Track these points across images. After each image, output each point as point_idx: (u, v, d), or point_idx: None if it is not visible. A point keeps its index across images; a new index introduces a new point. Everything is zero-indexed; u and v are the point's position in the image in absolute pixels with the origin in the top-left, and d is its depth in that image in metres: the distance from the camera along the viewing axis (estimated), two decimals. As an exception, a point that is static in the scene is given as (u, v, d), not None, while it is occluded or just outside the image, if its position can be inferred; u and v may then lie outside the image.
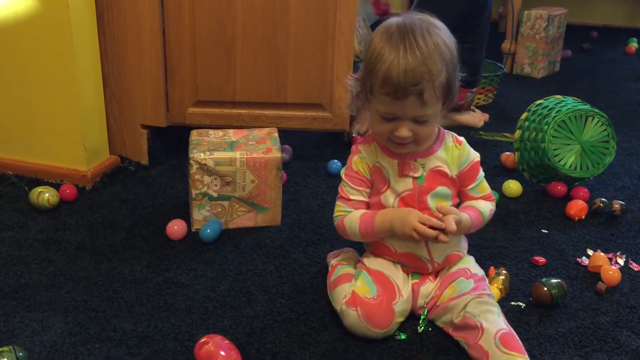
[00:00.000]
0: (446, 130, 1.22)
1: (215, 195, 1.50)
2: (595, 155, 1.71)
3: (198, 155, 1.48)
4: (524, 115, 1.81)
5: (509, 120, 2.31)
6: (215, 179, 1.49)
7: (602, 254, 1.42)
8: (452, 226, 1.10)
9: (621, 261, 1.43)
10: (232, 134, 1.60)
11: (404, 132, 1.10)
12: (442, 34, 1.09)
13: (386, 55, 1.06)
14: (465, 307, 1.13)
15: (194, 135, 1.59)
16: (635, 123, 2.38)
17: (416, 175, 1.18)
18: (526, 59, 2.96)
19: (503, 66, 2.65)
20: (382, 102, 1.09)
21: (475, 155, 1.22)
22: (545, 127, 1.69)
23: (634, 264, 1.42)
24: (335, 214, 1.24)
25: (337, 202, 1.24)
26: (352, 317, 1.14)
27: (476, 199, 1.23)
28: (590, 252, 1.46)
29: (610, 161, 1.72)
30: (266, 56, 1.77)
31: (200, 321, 1.20)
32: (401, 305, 1.16)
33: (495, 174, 1.88)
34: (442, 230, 1.10)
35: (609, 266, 1.36)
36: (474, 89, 2.23)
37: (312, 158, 1.95)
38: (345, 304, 1.16)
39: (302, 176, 1.82)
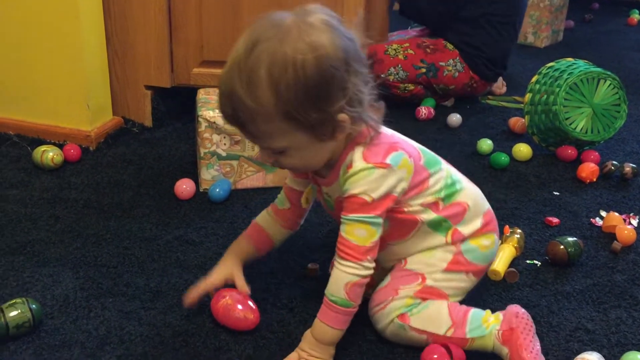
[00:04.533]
0: (358, 148, 0.93)
1: (224, 154, 1.48)
2: (607, 118, 1.69)
3: (207, 112, 1.44)
4: (534, 78, 1.78)
5: (515, 88, 2.29)
6: (225, 137, 1.46)
7: (616, 214, 1.41)
8: None
9: (635, 222, 1.42)
10: (241, 93, 1.57)
11: (263, 158, 0.95)
12: (297, 48, 0.83)
13: (223, 69, 0.88)
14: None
15: (201, 93, 1.56)
16: (640, 91, 2.37)
17: (322, 200, 1.05)
18: (530, 28, 2.93)
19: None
20: None
21: (362, 191, 0.92)
22: (557, 89, 1.67)
23: (648, 225, 1.41)
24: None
25: None
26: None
27: (340, 238, 0.95)
28: (603, 213, 1.45)
29: (621, 125, 1.70)
30: (274, 15, 1.73)
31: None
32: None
33: (504, 138, 1.86)
34: None
35: (623, 226, 1.35)
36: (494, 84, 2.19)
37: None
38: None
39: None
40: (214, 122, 1.44)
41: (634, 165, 1.63)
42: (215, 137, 1.46)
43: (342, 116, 0.87)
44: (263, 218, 1.14)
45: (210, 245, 1.28)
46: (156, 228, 1.33)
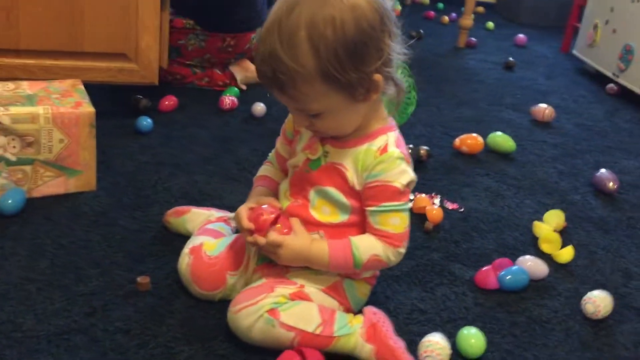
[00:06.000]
0: (392, 133, 0.96)
1: (13, 159, 1.27)
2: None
3: (-10, 111, 1.22)
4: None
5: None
6: (14, 139, 1.25)
7: (423, 195, 1.51)
8: (261, 240, 0.96)
9: (437, 201, 1.53)
10: (27, 86, 1.36)
11: (298, 121, 0.97)
12: (335, 8, 0.84)
13: (262, 30, 0.89)
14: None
15: (-25, 88, 1.32)
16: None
17: (311, 156, 0.99)
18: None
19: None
20: None
21: (395, 178, 0.93)
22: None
23: (448, 203, 1.53)
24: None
25: None
26: (183, 263, 1.06)
27: (372, 230, 0.96)
28: (411, 196, 1.55)
29: (413, 111, 1.83)
30: (57, -4, 1.52)
31: (25, 307, 1.00)
32: (239, 279, 1.05)
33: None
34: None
35: (431, 206, 1.45)
36: (259, 30, 2.16)
37: (118, 115, 1.76)
38: (187, 248, 1.08)
39: (108, 135, 1.62)
40: (0, 122, 1.22)
41: (427, 148, 1.76)
42: (2, 140, 1.24)
43: (377, 76, 0.89)
44: (267, 170, 1.11)
45: (12, 268, 1.09)
46: None
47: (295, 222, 0.99)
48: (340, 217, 0.99)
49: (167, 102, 1.85)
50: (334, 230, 0.99)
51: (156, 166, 1.52)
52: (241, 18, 2.06)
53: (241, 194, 1.43)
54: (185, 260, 1.06)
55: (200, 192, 1.43)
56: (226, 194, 1.43)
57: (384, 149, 0.95)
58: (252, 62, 2.16)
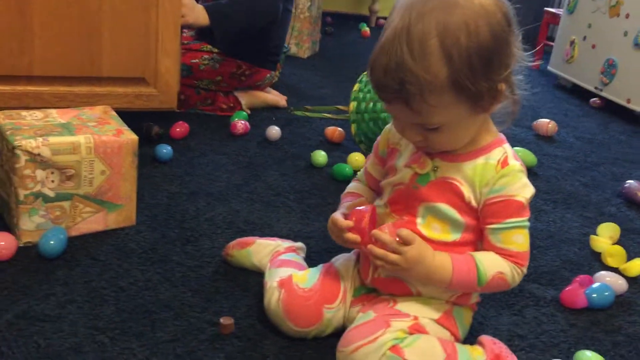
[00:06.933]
0: (506, 146, 0.91)
1: (52, 194, 1.14)
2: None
3: (27, 142, 1.09)
4: (356, 87, 1.77)
5: (302, 97, 2.28)
6: (53, 172, 1.13)
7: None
8: (386, 237, 0.87)
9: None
10: (57, 115, 1.23)
11: (410, 136, 0.89)
12: (466, 13, 0.80)
13: (381, 39, 0.83)
14: None
15: (2, 118, 1.18)
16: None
17: (420, 171, 0.92)
18: (293, 39, 2.96)
19: (287, 45, 2.60)
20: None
21: (518, 192, 0.88)
22: (384, 97, 1.68)
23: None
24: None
25: None
26: (273, 298, 0.96)
27: (494, 249, 0.90)
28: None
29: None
30: (74, 17, 1.40)
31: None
32: (336, 312, 0.96)
33: (327, 149, 1.80)
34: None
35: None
36: (274, 73, 2.13)
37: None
38: (276, 282, 0.98)
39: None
40: (39, 154, 1.10)
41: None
42: (40, 174, 1.11)
43: (502, 85, 0.84)
44: (355, 187, 1.05)
45: (74, 317, 0.96)
46: (-18, 307, 0.96)
47: (408, 232, 0.88)
48: (452, 236, 0.92)
49: (178, 129, 1.74)
50: (444, 249, 0.91)
51: (190, 196, 1.41)
52: (261, 49, 2.00)
53: (289, 221, 1.35)
54: (274, 295, 0.96)
55: (245, 221, 1.33)
56: (273, 222, 1.34)
57: (504, 162, 0.89)
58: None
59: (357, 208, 0.94)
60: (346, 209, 0.97)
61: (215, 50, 1.94)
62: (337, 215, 0.95)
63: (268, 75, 2.09)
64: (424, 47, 0.79)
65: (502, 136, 0.94)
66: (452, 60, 0.79)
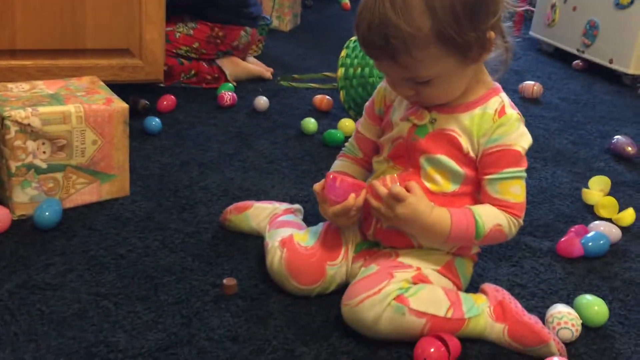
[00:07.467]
0: (503, 95, 0.91)
1: (44, 165, 1.12)
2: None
3: (17, 113, 1.07)
4: (343, 53, 1.76)
5: (288, 69, 2.25)
6: (44, 143, 1.11)
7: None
8: (382, 190, 0.87)
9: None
10: (45, 86, 1.21)
11: (402, 91, 0.89)
12: None
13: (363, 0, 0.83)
14: None
15: (-12, 90, 1.16)
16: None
17: (417, 122, 0.91)
18: (274, 12, 2.93)
19: (269, 17, 2.57)
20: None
21: (516, 141, 0.88)
22: (372, 61, 1.67)
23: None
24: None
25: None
26: (275, 258, 0.96)
27: (491, 200, 0.90)
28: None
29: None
30: (55, -12, 1.38)
31: (109, 324, 0.88)
32: (339, 269, 0.97)
33: (316, 116, 1.80)
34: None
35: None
36: (249, 30, 2.08)
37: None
38: (278, 242, 0.97)
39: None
40: (29, 124, 1.08)
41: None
42: (31, 145, 1.10)
43: (491, 33, 0.83)
44: (342, 164, 1.03)
45: (76, 285, 0.96)
46: (-20, 278, 0.95)
47: (415, 186, 0.89)
48: (452, 187, 0.92)
49: (165, 102, 1.72)
50: (444, 200, 0.91)
51: (182, 167, 1.40)
52: (230, 6, 1.96)
53: (284, 187, 1.35)
54: (277, 254, 0.96)
55: (240, 188, 1.32)
56: (268, 188, 1.34)
57: (501, 112, 0.89)
58: (238, 57, 2.07)
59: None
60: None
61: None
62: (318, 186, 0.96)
63: (242, 32, 2.02)
64: (406, 1, 0.79)
65: (498, 85, 0.94)
66: (435, 12, 0.79)
